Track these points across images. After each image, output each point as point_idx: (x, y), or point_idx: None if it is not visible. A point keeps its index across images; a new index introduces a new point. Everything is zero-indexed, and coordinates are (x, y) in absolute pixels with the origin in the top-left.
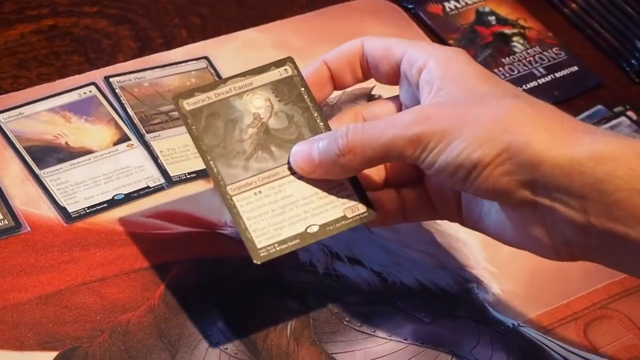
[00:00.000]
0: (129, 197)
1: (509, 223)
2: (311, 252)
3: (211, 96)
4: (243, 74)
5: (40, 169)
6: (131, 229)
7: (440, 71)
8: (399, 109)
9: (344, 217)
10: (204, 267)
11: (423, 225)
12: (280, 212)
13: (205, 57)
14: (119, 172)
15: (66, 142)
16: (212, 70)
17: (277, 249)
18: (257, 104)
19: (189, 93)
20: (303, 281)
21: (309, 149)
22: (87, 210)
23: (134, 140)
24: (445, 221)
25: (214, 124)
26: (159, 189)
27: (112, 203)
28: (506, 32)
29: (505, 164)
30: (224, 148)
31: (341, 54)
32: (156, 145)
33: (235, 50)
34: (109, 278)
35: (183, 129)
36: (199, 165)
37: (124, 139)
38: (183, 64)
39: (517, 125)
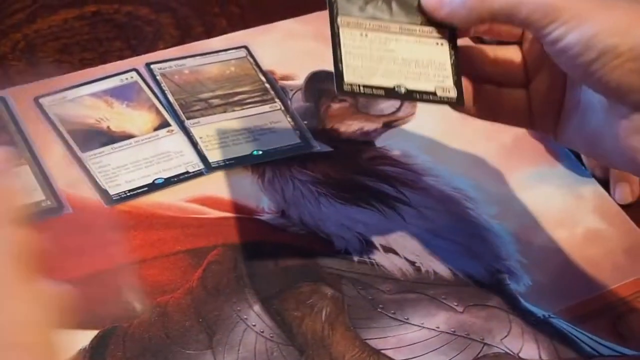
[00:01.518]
0: (168, 182)
1: (609, 131)
2: (347, 240)
3: None
4: None
5: (83, 152)
6: (171, 213)
7: None
8: None
9: (433, 93)
10: (241, 252)
11: (457, 216)
12: (377, 60)
13: (245, 47)
14: (159, 157)
15: (108, 127)
16: (251, 60)
17: (361, 90)
18: None
19: None
20: (338, 268)
21: None
22: (128, 194)
23: (174, 126)
24: (478, 212)
25: None
26: (198, 174)
27: (152, 187)
28: None
29: (637, 60)
30: None
31: None
32: (196, 132)
33: (274, 41)
34: (149, 260)
35: (222, 116)
36: (238, 152)
37: (164, 124)
38: (223, 53)
39: None
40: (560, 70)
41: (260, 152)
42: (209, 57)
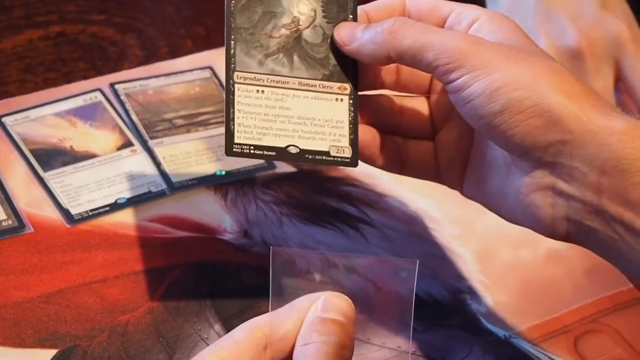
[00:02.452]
0: (131, 201)
1: (512, 188)
2: (308, 260)
3: None
4: None
5: (45, 171)
6: (132, 233)
7: (493, 26)
8: None
9: (327, 153)
10: (203, 272)
11: (419, 237)
12: (271, 119)
13: (210, 67)
14: (122, 177)
15: (71, 146)
16: (216, 80)
17: (251, 151)
18: (302, 10)
19: None
20: (300, 288)
21: (357, 25)
22: (90, 213)
23: (137, 145)
24: (441, 233)
25: (252, 8)
26: (160, 194)
27: (115, 207)
28: None
29: (542, 117)
30: (250, 35)
31: (383, 5)
32: (159, 151)
33: None
34: (110, 279)
35: (185, 136)
36: (200, 171)
37: (127, 144)
38: (188, 73)
39: (563, 85)
40: (467, 123)
41: (224, 173)
42: (174, 78)
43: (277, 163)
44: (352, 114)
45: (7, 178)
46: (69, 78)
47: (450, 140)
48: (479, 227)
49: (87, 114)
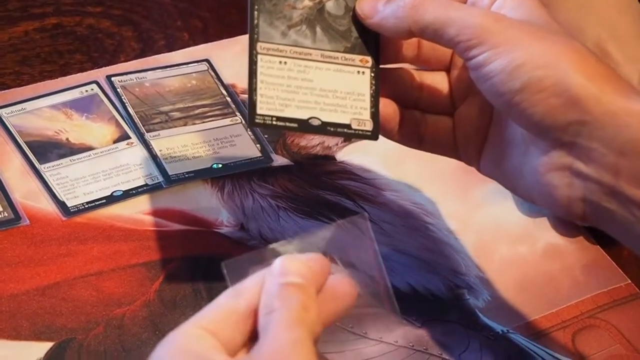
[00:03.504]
0: (127, 194)
1: (529, 166)
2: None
3: None
4: None
5: (41, 163)
6: (129, 225)
7: (515, 3)
8: None
9: (348, 126)
10: (199, 265)
11: (416, 231)
12: (293, 91)
13: (206, 60)
14: (118, 169)
15: (67, 138)
16: (212, 73)
17: (273, 122)
18: None
19: None
20: None
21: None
22: (86, 206)
23: (133, 138)
24: (438, 227)
25: None
26: (157, 187)
27: (111, 199)
28: None
29: (561, 96)
30: (274, 5)
31: None
32: (155, 144)
33: (235, 54)
34: (106, 272)
35: (182, 129)
36: (197, 165)
37: (124, 137)
38: (184, 66)
39: (583, 65)
40: (486, 100)
41: (220, 166)
42: (171, 70)
43: (273, 156)
44: (374, 87)
45: (3, 170)
46: (65, 70)
47: (469, 117)
48: (476, 222)
49: (83, 106)
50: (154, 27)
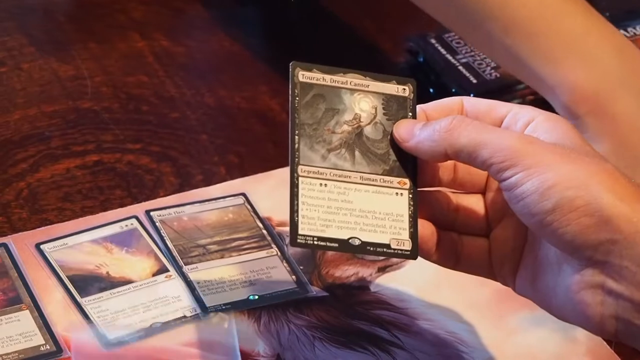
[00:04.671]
0: (166, 326)
1: (562, 285)
2: None
3: (327, 79)
4: (364, 74)
5: (82, 297)
6: (167, 357)
7: (548, 126)
8: None
9: (387, 246)
10: None
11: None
12: (334, 212)
13: (243, 194)
14: (157, 302)
15: (107, 272)
16: (248, 206)
17: (315, 242)
18: (363, 107)
19: (308, 67)
20: None
21: (415, 123)
22: (126, 338)
23: (172, 271)
24: (472, 356)
25: (316, 104)
26: (195, 318)
27: (150, 331)
28: None
29: (593, 216)
30: (314, 130)
31: (442, 105)
32: (193, 277)
33: (271, 187)
34: None
35: (219, 261)
36: (234, 296)
37: (162, 270)
38: (221, 200)
39: (614, 185)
40: (520, 222)
41: (257, 297)
42: (208, 204)
43: (309, 287)
44: (412, 208)
45: (45, 303)
46: (105, 205)
47: (505, 238)
48: (510, 351)
49: (123, 240)
50: (191, 162)
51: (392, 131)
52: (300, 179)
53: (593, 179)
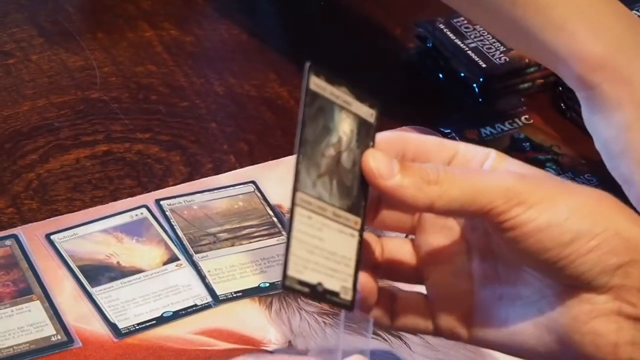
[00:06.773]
0: (177, 315)
1: (560, 320)
2: None
3: (327, 90)
4: (351, 87)
5: (93, 286)
6: (179, 345)
7: (506, 161)
8: None
9: (337, 294)
10: None
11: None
12: (311, 250)
13: (252, 182)
14: (168, 291)
15: (118, 262)
16: (258, 194)
17: (295, 287)
18: (345, 129)
19: (319, 72)
20: None
21: (391, 159)
22: (137, 327)
23: (182, 260)
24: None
25: (317, 120)
26: (206, 307)
27: (161, 320)
28: (540, 158)
29: (613, 239)
30: (312, 149)
31: (386, 139)
32: (204, 265)
33: (281, 175)
34: None
35: (230, 249)
36: (245, 284)
37: (173, 259)
38: (231, 188)
39: (622, 209)
40: (463, 265)
41: (268, 285)
42: (218, 193)
43: None
44: (358, 252)
45: (56, 294)
46: (115, 195)
47: (445, 284)
48: None
49: (133, 230)
50: (201, 151)
51: (360, 162)
52: (296, 208)
53: (602, 205)
